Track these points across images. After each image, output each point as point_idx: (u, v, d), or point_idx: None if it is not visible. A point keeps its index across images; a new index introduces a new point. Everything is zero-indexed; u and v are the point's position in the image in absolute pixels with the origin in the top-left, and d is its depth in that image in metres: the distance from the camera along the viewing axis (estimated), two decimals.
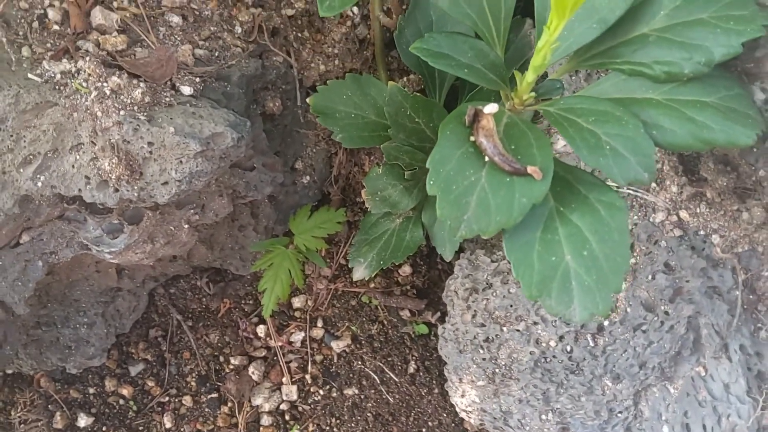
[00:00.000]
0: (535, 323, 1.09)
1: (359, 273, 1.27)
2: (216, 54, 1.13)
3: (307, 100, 1.18)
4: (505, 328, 1.14)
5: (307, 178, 1.44)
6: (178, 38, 1.09)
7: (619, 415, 1.09)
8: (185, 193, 0.99)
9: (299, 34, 1.29)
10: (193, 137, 0.95)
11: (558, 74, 0.87)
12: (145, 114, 0.94)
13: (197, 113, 0.99)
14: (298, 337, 1.52)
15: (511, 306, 1.12)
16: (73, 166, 0.96)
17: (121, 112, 0.92)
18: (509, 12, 0.83)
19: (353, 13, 1.32)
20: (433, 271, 1.57)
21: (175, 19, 1.10)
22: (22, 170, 0.95)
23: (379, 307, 1.52)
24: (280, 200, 1.41)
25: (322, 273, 1.52)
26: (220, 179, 1.12)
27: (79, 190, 0.97)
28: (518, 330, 1.11)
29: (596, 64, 0.84)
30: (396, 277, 1.54)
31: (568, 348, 1.08)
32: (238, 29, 1.18)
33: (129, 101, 0.93)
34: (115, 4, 1.05)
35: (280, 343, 1.50)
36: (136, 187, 0.96)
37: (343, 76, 1.41)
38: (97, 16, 1.01)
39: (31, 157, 0.95)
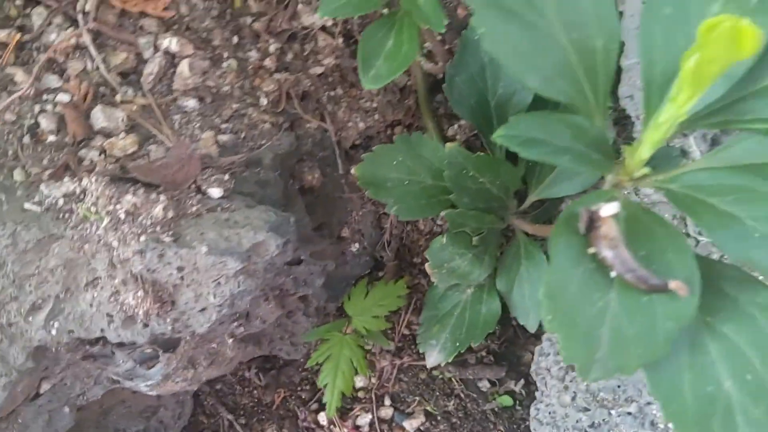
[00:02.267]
0: (649, 403, 0.95)
1: (433, 359, 1.10)
2: (242, 135, 0.97)
3: (353, 170, 1.01)
4: (613, 412, 0.98)
5: (356, 245, 1.27)
6: (197, 125, 0.93)
7: None
8: (227, 317, 0.83)
9: (331, 93, 1.13)
10: (231, 254, 0.78)
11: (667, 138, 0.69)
12: (171, 233, 0.78)
13: (231, 219, 0.82)
14: (365, 419, 1.35)
15: (619, 387, 0.96)
16: (91, 305, 0.80)
17: (142, 238, 0.76)
18: (609, 72, 0.65)
19: None
20: (507, 329, 1.39)
21: (191, 103, 0.93)
22: (31, 319, 0.79)
23: (453, 380, 1.35)
24: (330, 275, 1.24)
25: (385, 347, 1.35)
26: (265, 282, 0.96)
27: (102, 330, 0.81)
28: (630, 413, 0.96)
29: (718, 123, 0.66)
30: None
31: None
32: (264, 101, 1.01)
33: (149, 222, 0.77)
34: (118, 97, 0.89)
35: (346, 430, 1.34)
36: (168, 320, 0.80)
37: (384, 131, 1.24)
38: (99, 117, 0.85)
39: (40, 302, 0.79)
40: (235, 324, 0.94)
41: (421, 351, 1.12)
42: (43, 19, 0.86)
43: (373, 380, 1.36)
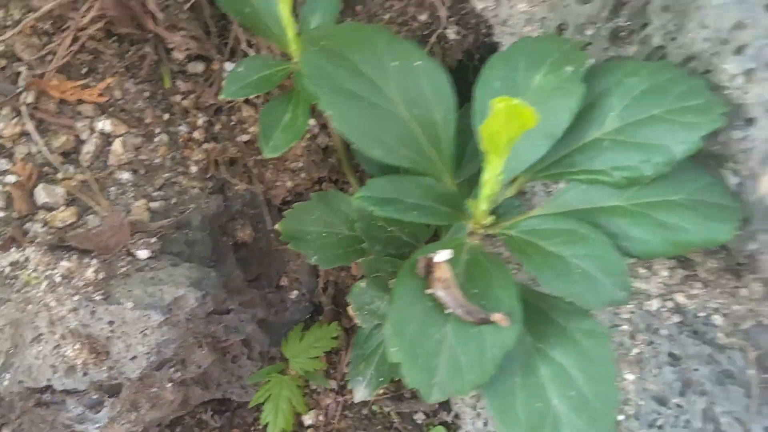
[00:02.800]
0: None
1: (360, 394, 1.20)
2: (173, 201, 1.10)
3: (276, 226, 1.14)
4: None
5: (295, 292, 1.40)
6: (131, 195, 1.06)
7: None
8: (157, 363, 0.95)
9: (258, 157, 1.26)
10: (154, 307, 0.91)
11: (515, 189, 0.81)
12: (102, 292, 0.91)
13: (156, 277, 0.95)
14: None
15: None
16: (36, 358, 0.92)
17: (75, 297, 0.89)
18: (450, 139, 0.79)
19: (311, 124, 1.28)
20: None
21: (125, 176, 1.07)
22: None
23: (392, 413, 1.46)
24: (271, 321, 1.36)
25: (329, 386, 1.47)
26: (196, 330, 1.08)
27: (48, 379, 0.93)
28: None
29: (552, 176, 0.79)
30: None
31: None
32: (193, 169, 1.15)
33: (82, 284, 0.90)
34: (59, 175, 1.01)
35: None
36: (104, 368, 0.92)
37: (312, 187, 1.37)
38: (41, 194, 0.98)
39: None
40: (172, 369, 1.05)
41: (349, 387, 1.22)
42: None
43: (321, 417, 1.47)
